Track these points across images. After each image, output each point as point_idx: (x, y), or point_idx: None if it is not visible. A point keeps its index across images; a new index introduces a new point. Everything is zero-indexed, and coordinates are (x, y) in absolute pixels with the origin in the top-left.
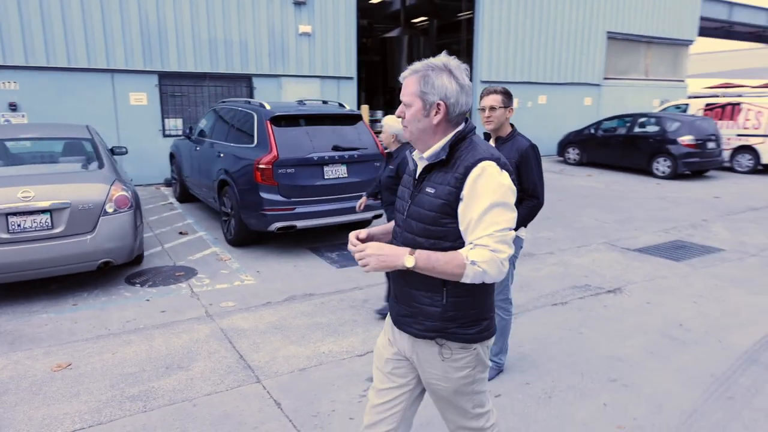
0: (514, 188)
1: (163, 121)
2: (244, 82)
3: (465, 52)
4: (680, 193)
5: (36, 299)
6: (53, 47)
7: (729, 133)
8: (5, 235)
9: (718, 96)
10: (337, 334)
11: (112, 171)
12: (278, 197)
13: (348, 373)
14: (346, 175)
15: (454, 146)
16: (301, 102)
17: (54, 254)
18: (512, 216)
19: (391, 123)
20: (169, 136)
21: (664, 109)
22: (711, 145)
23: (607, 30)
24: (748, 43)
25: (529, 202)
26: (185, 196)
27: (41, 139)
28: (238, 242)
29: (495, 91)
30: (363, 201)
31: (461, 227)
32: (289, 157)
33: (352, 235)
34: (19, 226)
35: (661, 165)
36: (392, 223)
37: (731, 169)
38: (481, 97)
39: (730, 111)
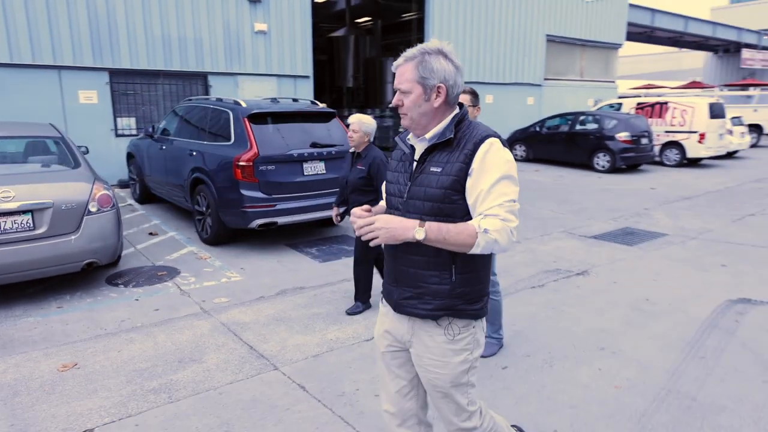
0: (516, 164)
1: (115, 120)
2: (199, 80)
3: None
4: (621, 185)
5: (14, 303)
6: None
7: (658, 130)
8: None
9: (640, 96)
10: (339, 323)
11: (89, 170)
12: (259, 194)
13: (360, 357)
14: (324, 172)
15: (456, 126)
16: (274, 99)
17: (37, 256)
18: (517, 189)
19: (365, 121)
20: (122, 135)
21: (599, 108)
22: (644, 141)
23: (547, 33)
24: (665, 47)
25: None
26: (146, 197)
27: (9, 137)
28: (215, 241)
29: (464, 91)
30: (336, 212)
31: (470, 200)
32: (269, 154)
33: (359, 209)
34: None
35: (601, 160)
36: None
37: (661, 163)
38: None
39: (658, 109)
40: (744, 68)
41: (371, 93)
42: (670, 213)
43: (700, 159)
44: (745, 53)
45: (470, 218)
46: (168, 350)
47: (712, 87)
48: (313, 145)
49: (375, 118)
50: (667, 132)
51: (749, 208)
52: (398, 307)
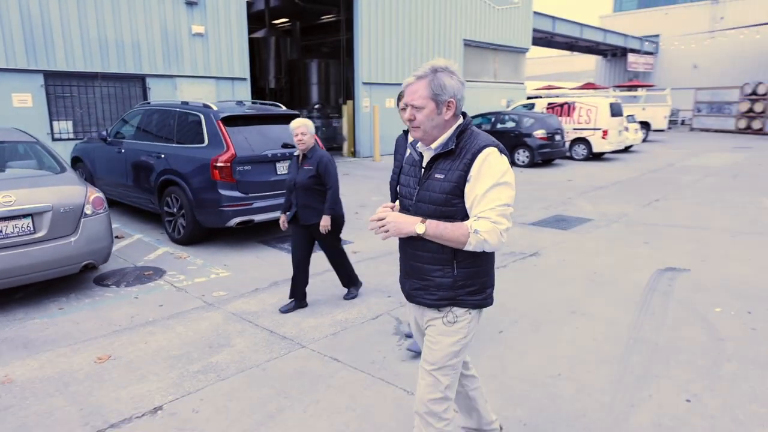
0: (512, 171)
1: (51, 124)
2: (137, 82)
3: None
4: (541, 178)
5: (9, 308)
6: None
7: (567, 128)
8: None
9: (541, 97)
10: (341, 306)
11: (75, 173)
12: (237, 193)
13: (374, 332)
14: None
15: (458, 137)
16: (240, 102)
17: (39, 259)
18: (512, 194)
19: (309, 124)
20: (60, 140)
21: (514, 108)
22: (558, 137)
23: (464, 38)
24: (561, 51)
25: None
26: None
27: None
28: (188, 241)
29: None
30: (283, 219)
31: (467, 204)
32: (245, 155)
33: (383, 208)
34: (1, 232)
35: (521, 155)
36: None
37: (570, 158)
38: (400, 99)
39: (567, 109)
40: (630, 71)
41: (296, 94)
42: (590, 201)
43: (604, 153)
44: (631, 57)
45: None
46: (193, 339)
47: (606, 88)
48: (285, 145)
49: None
50: (575, 129)
51: (653, 195)
52: (409, 297)
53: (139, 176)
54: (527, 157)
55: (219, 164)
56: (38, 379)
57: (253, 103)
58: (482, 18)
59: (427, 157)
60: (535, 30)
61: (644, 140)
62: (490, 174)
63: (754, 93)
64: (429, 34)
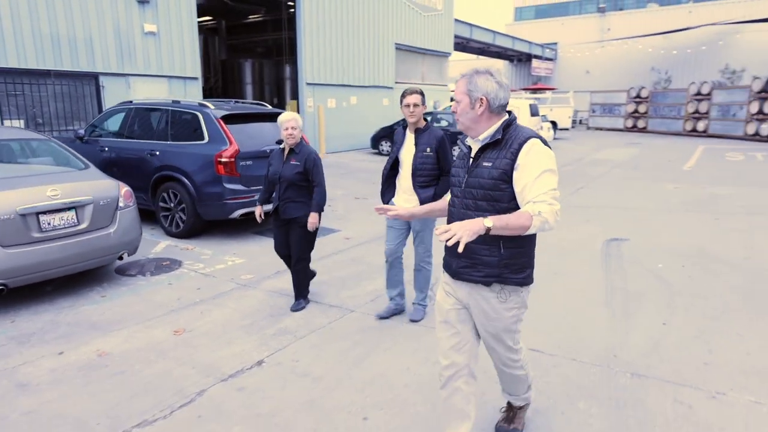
0: (555, 159)
1: (2, 122)
2: (90, 80)
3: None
4: None
5: (51, 299)
6: None
7: None
8: (38, 234)
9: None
10: (366, 280)
11: (97, 169)
12: (240, 186)
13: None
14: None
15: (505, 129)
16: (226, 101)
17: (84, 249)
18: (557, 179)
19: (299, 118)
20: None
21: (444, 109)
22: None
23: (395, 42)
24: (471, 55)
25: (446, 178)
26: None
27: (10, 140)
28: (188, 234)
29: (415, 92)
30: (260, 211)
31: (517, 189)
32: (247, 151)
33: (440, 228)
34: (49, 224)
35: (456, 152)
36: (431, 205)
37: None
38: (404, 97)
39: None
40: (533, 75)
41: (230, 93)
42: None
43: None
44: (534, 63)
45: (515, 203)
46: (250, 312)
47: (514, 90)
48: (278, 141)
49: None
50: None
51: (578, 183)
52: (456, 275)
53: (128, 174)
54: None
55: (223, 159)
56: (131, 350)
57: (236, 102)
58: (411, 24)
59: (475, 148)
60: (454, 36)
61: (554, 138)
62: (538, 162)
63: (638, 96)
64: (365, 38)
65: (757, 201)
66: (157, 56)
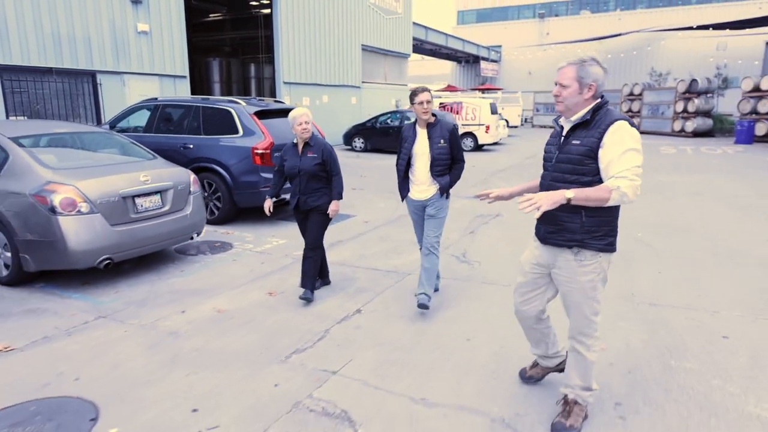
0: (640, 140)
1: (8, 118)
2: (88, 78)
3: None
4: None
5: (135, 276)
6: None
7: (458, 124)
8: (134, 215)
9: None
10: (404, 253)
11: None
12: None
13: (446, 262)
14: None
15: (595, 112)
16: (252, 98)
17: (167, 229)
18: (641, 158)
19: (309, 113)
20: None
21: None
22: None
23: (362, 43)
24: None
25: (458, 165)
26: None
27: (90, 132)
28: (222, 220)
29: (426, 90)
30: (270, 204)
31: (602, 165)
32: (280, 143)
33: (525, 197)
34: (142, 206)
35: None
36: (527, 184)
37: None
38: (416, 95)
39: (456, 108)
40: (481, 75)
41: (198, 91)
42: (501, 180)
43: (485, 145)
44: (483, 64)
45: (598, 177)
46: (341, 271)
47: (464, 90)
48: None
49: None
50: (464, 125)
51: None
52: (544, 240)
53: None
54: None
55: (260, 151)
56: (243, 307)
57: (259, 99)
58: (375, 26)
59: (567, 127)
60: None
61: (508, 135)
62: (622, 141)
63: None
64: (335, 39)
65: (696, 185)
66: (149, 55)
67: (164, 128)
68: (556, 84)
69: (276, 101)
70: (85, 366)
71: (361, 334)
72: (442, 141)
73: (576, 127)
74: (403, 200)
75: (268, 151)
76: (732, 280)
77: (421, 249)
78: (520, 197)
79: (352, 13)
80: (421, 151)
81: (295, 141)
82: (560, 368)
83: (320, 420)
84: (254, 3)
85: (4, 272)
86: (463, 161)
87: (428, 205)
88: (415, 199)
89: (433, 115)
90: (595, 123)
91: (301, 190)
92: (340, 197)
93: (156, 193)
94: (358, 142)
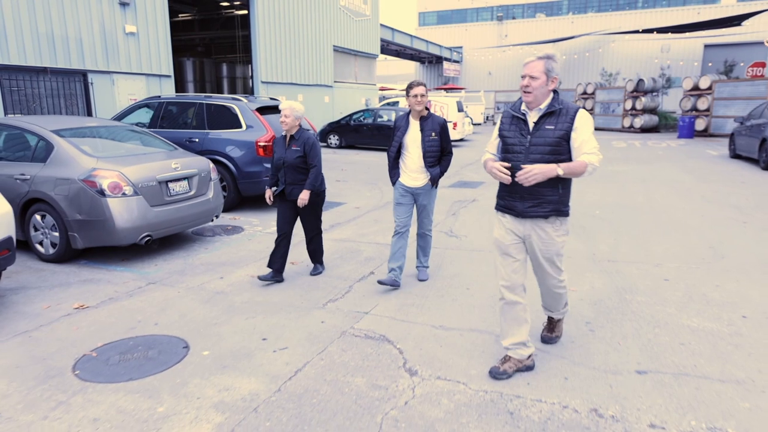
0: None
1: (5, 116)
2: (79, 77)
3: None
4: None
5: (167, 252)
6: None
7: None
8: (168, 198)
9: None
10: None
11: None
12: None
13: (438, 237)
14: None
15: (559, 101)
16: (247, 96)
17: (194, 211)
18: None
19: (296, 107)
20: None
21: (383, 105)
22: None
23: (333, 44)
24: (392, 57)
25: (447, 157)
26: None
27: (114, 126)
28: (228, 208)
29: (421, 84)
30: (270, 194)
31: (575, 144)
32: (281, 136)
33: (491, 161)
34: (174, 190)
35: None
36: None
37: None
38: (411, 88)
39: (426, 106)
40: (444, 75)
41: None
42: (473, 172)
43: (453, 141)
44: (445, 64)
45: (569, 155)
46: (334, 250)
47: (428, 89)
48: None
49: None
50: None
51: None
52: (522, 214)
53: None
54: None
55: (263, 143)
56: (288, 273)
57: (255, 97)
58: (346, 28)
59: (534, 116)
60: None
61: (472, 132)
62: (588, 126)
63: None
64: (308, 40)
65: (644, 173)
66: (137, 55)
67: (168, 124)
68: (524, 77)
69: (272, 98)
70: (158, 315)
71: (380, 288)
72: (433, 134)
73: (545, 115)
74: (394, 184)
75: (271, 144)
76: (672, 242)
77: (397, 233)
78: (520, 171)
79: (324, 15)
80: (413, 141)
81: (284, 133)
82: (529, 364)
83: (365, 341)
84: (225, 4)
85: (51, 250)
86: (452, 153)
87: (420, 193)
88: (406, 185)
89: (426, 109)
90: (563, 111)
91: (287, 180)
92: (311, 188)
93: (185, 179)
94: (334, 139)
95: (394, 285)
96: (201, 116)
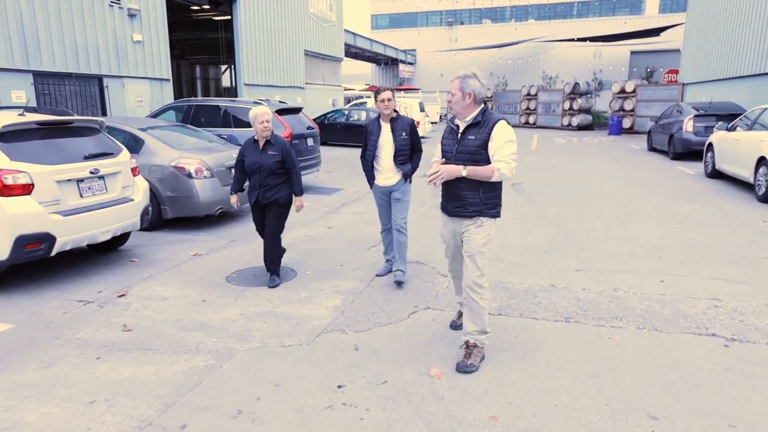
0: (514, 134)
1: None
2: (95, 81)
3: (180, 55)
4: None
5: (218, 225)
6: None
7: None
8: (232, 179)
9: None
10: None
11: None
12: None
13: (427, 215)
14: (313, 144)
15: (483, 114)
16: (267, 101)
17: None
18: (516, 146)
19: (270, 112)
20: None
21: (351, 106)
22: None
23: (304, 48)
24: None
25: (417, 154)
26: None
27: (176, 125)
28: None
29: (388, 89)
30: (236, 199)
31: (490, 152)
32: (296, 132)
33: (436, 163)
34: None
35: None
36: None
37: None
38: (379, 93)
39: None
40: (399, 77)
41: None
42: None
43: None
44: (401, 66)
45: (489, 162)
46: (357, 220)
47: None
48: (309, 127)
49: None
50: None
51: None
52: (451, 213)
53: None
54: None
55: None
56: (320, 234)
57: (267, 101)
58: (314, 33)
59: (462, 126)
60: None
61: (431, 130)
62: (504, 135)
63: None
64: (283, 45)
65: (580, 163)
66: (142, 61)
67: (198, 124)
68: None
69: (281, 102)
70: (257, 257)
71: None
72: (404, 134)
73: (470, 126)
74: (371, 187)
75: (290, 139)
76: (598, 208)
77: (384, 230)
78: (428, 171)
79: (295, 22)
80: (386, 142)
81: (255, 138)
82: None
83: (419, 265)
84: (195, 7)
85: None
86: (422, 150)
87: (394, 190)
88: (382, 186)
89: (395, 111)
90: (484, 122)
91: (261, 184)
92: (301, 193)
93: (230, 168)
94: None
95: (390, 272)
96: (227, 117)
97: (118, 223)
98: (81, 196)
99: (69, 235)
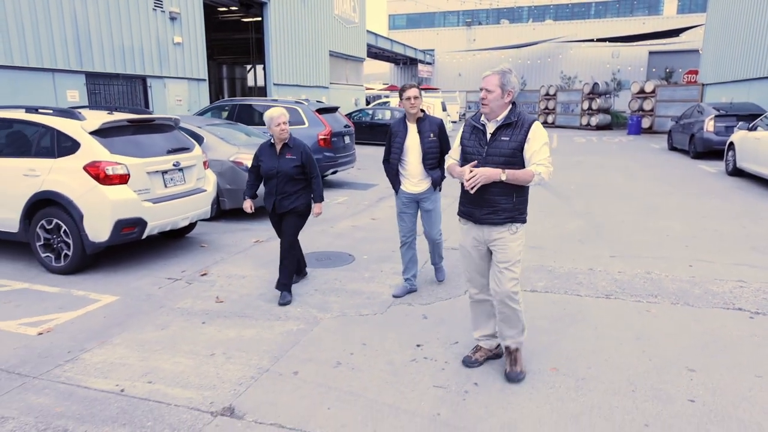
0: (548, 135)
1: None
2: (140, 82)
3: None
4: None
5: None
6: (10, 47)
7: None
8: None
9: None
10: None
11: None
12: (332, 154)
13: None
14: (349, 142)
15: (516, 114)
16: (306, 100)
17: None
18: (549, 149)
19: (286, 113)
20: None
21: (374, 105)
22: None
23: (330, 49)
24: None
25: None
26: None
27: (226, 123)
28: None
29: (414, 86)
30: (250, 204)
31: (527, 155)
32: (335, 131)
33: (468, 166)
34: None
35: None
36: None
37: None
38: (404, 91)
39: None
40: (418, 77)
41: None
42: None
43: None
44: (420, 66)
45: (524, 165)
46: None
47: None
48: (345, 126)
49: None
50: None
51: None
52: (480, 221)
53: None
54: None
55: (323, 136)
56: (365, 225)
57: (306, 101)
58: (339, 34)
59: (492, 127)
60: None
61: (452, 129)
62: (541, 137)
63: None
64: (309, 46)
65: (601, 162)
66: (182, 62)
67: (243, 121)
68: (481, 89)
69: (318, 101)
70: (317, 243)
71: None
72: (432, 135)
73: (501, 127)
74: (397, 193)
75: (329, 137)
76: (625, 203)
77: (404, 244)
78: (465, 177)
79: (321, 23)
80: (412, 145)
81: (272, 141)
82: (498, 352)
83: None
84: (222, 9)
85: None
86: None
87: (423, 199)
88: (409, 192)
89: (422, 110)
90: (518, 123)
91: (278, 191)
92: (321, 200)
93: None
94: None
95: (411, 291)
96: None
97: (194, 211)
98: (165, 186)
99: (157, 220)
